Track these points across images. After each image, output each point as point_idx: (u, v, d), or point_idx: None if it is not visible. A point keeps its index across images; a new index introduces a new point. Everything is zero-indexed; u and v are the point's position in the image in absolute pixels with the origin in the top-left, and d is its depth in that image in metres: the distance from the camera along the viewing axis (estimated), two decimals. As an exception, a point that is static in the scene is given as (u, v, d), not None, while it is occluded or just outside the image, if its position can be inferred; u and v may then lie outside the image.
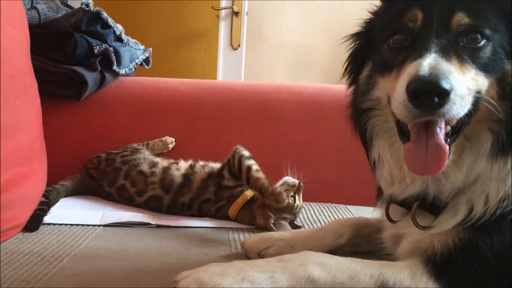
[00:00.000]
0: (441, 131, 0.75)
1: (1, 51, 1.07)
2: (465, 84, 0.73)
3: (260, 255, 1.00)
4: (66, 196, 1.45)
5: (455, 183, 0.81)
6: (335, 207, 1.56)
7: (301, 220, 1.38)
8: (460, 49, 0.77)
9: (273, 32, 3.32)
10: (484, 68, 0.77)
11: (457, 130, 0.78)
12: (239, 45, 3.09)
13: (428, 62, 0.72)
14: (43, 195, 1.31)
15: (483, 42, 0.78)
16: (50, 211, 1.26)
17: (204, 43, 3.13)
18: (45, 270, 0.89)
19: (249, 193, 1.35)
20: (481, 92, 0.76)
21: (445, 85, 0.69)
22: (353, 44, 0.96)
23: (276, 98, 1.76)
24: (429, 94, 0.69)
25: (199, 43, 3.13)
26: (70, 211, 1.32)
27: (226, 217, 1.34)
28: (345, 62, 0.98)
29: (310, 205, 1.57)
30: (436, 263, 0.78)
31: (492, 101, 0.77)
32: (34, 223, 1.17)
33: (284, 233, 1.07)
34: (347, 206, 1.58)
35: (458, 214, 0.80)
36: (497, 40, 0.79)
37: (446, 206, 0.83)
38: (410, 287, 0.77)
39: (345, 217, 1.44)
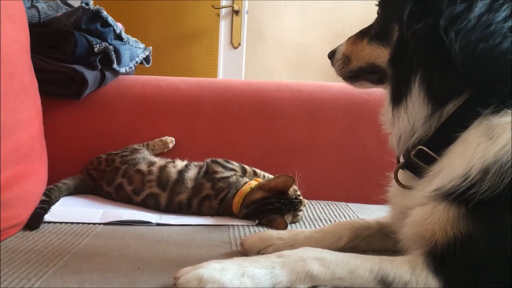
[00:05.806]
0: None
1: (1, 50, 1.08)
2: None
3: (260, 254, 0.99)
4: (68, 195, 1.46)
5: (402, 128, 0.88)
6: (336, 205, 1.56)
7: (302, 218, 1.37)
8: None
9: (273, 31, 3.32)
10: None
11: None
12: (239, 44, 3.09)
13: None
14: (44, 194, 1.31)
15: None
16: (50, 209, 1.26)
17: (204, 41, 3.13)
18: (45, 268, 0.89)
19: (253, 182, 1.37)
20: None
21: None
22: None
23: (276, 96, 1.76)
24: None
25: (200, 41, 3.13)
26: (70, 209, 1.33)
27: (230, 209, 1.34)
28: None
29: (310, 203, 1.56)
30: (437, 257, 0.78)
31: None
32: (35, 221, 1.17)
33: (283, 232, 1.07)
34: (347, 203, 1.58)
35: (439, 177, 0.81)
36: None
37: (429, 171, 0.85)
38: (410, 281, 0.77)
39: (346, 214, 1.44)
